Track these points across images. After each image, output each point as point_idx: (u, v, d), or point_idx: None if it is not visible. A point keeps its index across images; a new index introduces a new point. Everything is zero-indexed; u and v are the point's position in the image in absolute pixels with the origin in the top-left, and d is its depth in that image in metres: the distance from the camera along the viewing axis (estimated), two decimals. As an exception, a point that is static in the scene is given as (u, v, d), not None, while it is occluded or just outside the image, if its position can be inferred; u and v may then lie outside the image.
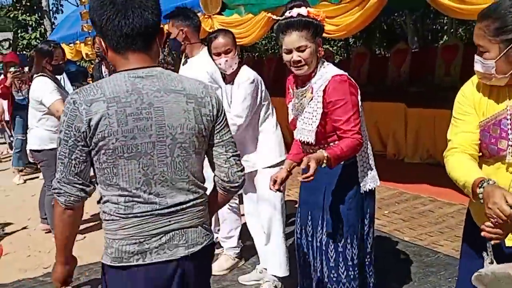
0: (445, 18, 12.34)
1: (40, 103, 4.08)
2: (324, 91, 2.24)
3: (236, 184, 1.68)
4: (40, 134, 4.14)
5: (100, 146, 1.47)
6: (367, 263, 2.49)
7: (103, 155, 1.48)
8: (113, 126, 1.45)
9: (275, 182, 2.37)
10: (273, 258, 3.18)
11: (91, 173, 1.56)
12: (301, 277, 2.62)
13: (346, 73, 2.29)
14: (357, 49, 10.03)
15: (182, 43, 3.44)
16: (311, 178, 2.02)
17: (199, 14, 5.67)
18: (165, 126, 1.50)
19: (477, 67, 1.64)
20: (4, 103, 7.40)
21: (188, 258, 1.57)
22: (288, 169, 2.47)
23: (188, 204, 1.58)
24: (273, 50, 17.72)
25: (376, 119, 6.16)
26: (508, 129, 1.62)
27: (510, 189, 1.64)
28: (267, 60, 11.00)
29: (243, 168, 1.71)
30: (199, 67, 3.34)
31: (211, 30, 5.65)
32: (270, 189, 2.40)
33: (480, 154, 1.74)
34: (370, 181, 2.42)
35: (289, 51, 2.23)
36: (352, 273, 2.40)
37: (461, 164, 1.67)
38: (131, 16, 1.47)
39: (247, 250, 3.68)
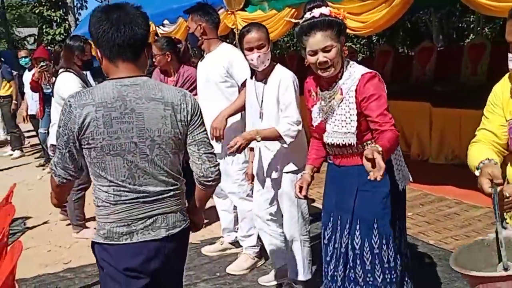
0: (472, 16, 12.09)
1: (63, 99, 4.07)
2: (355, 90, 2.18)
3: (210, 179, 1.91)
4: None
5: (89, 144, 1.75)
6: (407, 265, 2.41)
7: (93, 151, 1.76)
8: (100, 127, 1.73)
9: (301, 188, 2.36)
10: (295, 262, 3.10)
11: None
12: (329, 283, 2.49)
13: (374, 71, 2.24)
14: (380, 47, 9.88)
15: (200, 38, 3.44)
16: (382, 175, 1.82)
17: (222, 11, 5.67)
18: (144, 129, 1.77)
19: (511, 64, 1.61)
20: (36, 96, 7.53)
21: (169, 239, 1.86)
22: (311, 174, 2.44)
23: (168, 194, 1.87)
24: (294, 48, 17.62)
25: (400, 118, 6.00)
26: None
27: None
28: (289, 58, 10.92)
29: (217, 164, 1.92)
30: (215, 61, 3.37)
31: (233, 27, 5.62)
32: (297, 196, 2.41)
33: (507, 153, 1.75)
34: (404, 178, 2.36)
35: (315, 53, 2.17)
36: (389, 276, 2.31)
37: (475, 151, 1.72)
38: (122, 30, 1.74)
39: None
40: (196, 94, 3.98)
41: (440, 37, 13.10)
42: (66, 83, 4.01)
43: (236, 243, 3.85)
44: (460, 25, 14.52)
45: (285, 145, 2.77)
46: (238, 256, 3.68)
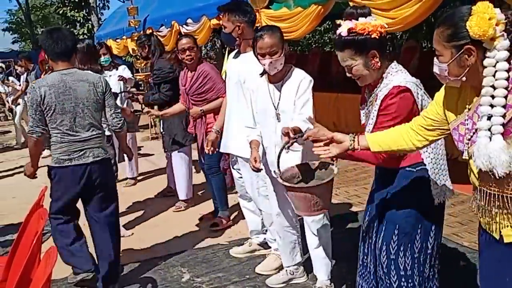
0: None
1: None
2: (382, 100, 2.16)
3: (116, 127, 3.34)
4: None
5: (47, 109, 3.07)
6: (430, 276, 2.34)
7: (48, 113, 3.08)
8: (52, 98, 3.05)
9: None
10: (318, 262, 3.13)
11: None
12: (360, 280, 2.53)
13: (407, 85, 2.13)
14: (406, 43, 9.72)
15: (237, 38, 3.36)
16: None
17: (246, 9, 5.63)
18: (78, 98, 3.12)
19: (435, 68, 1.78)
20: None
21: (94, 163, 3.19)
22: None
23: (93, 136, 3.20)
24: (316, 45, 17.51)
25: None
26: (465, 133, 1.77)
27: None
28: (312, 55, 10.83)
29: (121, 118, 3.34)
30: (252, 65, 3.18)
31: (258, 25, 5.56)
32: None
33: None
34: (443, 193, 2.29)
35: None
36: (405, 284, 2.28)
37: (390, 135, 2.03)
38: (59, 43, 3.08)
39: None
40: (212, 89, 4.06)
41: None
42: None
43: (264, 245, 3.82)
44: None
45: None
46: (266, 256, 3.67)
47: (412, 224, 2.26)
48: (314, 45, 17.44)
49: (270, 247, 3.69)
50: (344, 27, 2.14)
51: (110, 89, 3.29)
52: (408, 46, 8.68)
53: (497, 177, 1.65)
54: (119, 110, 3.33)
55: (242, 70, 3.38)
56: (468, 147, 1.76)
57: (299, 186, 2.40)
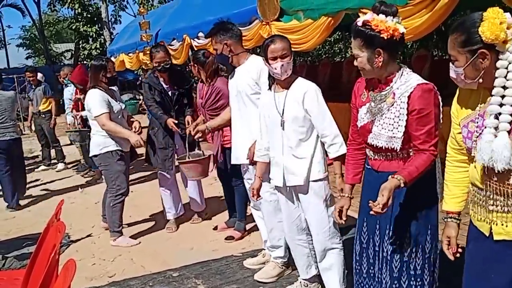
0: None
1: (90, 111, 4.47)
2: (409, 97, 2.19)
3: None
4: (97, 140, 4.49)
5: None
6: (436, 276, 2.41)
7: None
8: None
9: (340, 213, 2.49)
10: (330, 274, 3.09)
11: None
12: (377, 284, 2.51)
13: (432, 83, 2.23)
14: (417, 52, 9.70)
15: (229, 56, 3.55)
16: (385, 210, 2.06)
17: (256, 21, 5.68)
18: (3, 106, 6.14)
19: (451, 73, 1.86)
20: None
21: (11, 141, 6.17)
22: (351, 195, 2.53)
23: (10, 125, 6.17)
24: (326, 55, 17.53)
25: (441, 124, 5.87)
26: (474, 131, 1.84)
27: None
28: (322, 65, 10.85)
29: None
30: (245, 74, 3.49)
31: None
32: (337, 221, 2.55)
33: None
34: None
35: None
36: (414, 283, 2.34)
37: (448, 182, 2.09)
38: None
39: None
40: (226, 104, 4.06)
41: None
42: (91, 97, 4.45)
43: (264, 251, 3.87)
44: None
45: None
46: (265, 263, 3.73)
47: (424, 225, 2.32)
48: (324, 56, 17.47)
49: (283, 259, 3.69)
50: (362, 17, 2.22)
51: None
52: (418, 55, 8.65)
53: (499, 172, 1.71)
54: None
55: (239, 81, 3.53)
56: (475, 144, 1.81)
57: (182, 161, 4.28)
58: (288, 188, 3.04)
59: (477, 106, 1.85)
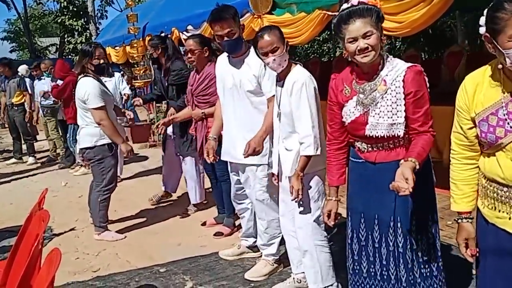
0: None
1: (85, 103, 4.19)
2: (403, 81, 2.15)
3: None
4: (91, 131, 4.27)
5: None
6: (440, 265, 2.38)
7: None
8: None
9: (329, 216, 2.45)
10: (312, 270, 2.97)
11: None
12: (380, 282, 2.43)
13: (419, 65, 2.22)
14: (407, 52, 9.69)
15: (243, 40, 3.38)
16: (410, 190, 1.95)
17: (248, 14, 5.57)
18: None
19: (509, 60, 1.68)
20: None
21: None
22: (338, 199, 2.48)
23: None
24: (315, 54, 17.49)
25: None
26: (505, 118, 1.74)
27: None
28: (311, 64, 10.78)
29: None
30: (246, 67, 3.29)
31: (260, 31, 5.51)
32: (326, 223, 2.51)
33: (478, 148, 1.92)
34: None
35: (354, 39, 2.13)
36: (424, 271, 2.33)
37: (456, 180, 2.00)
38: None
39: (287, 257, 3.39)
40: (216, 92, 3.73)
41: (466, 42, 12.83)
42: (85, 86, 4.19)
43: (254, 248, 3.81)
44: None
45: (317, 153, 2.73)
46: (256, 261, 3.62)
47: (428, 210, 2.31)
48: (312, 55, 17.43)
49: (259, 250, 3.65)
50: None
51: None
52: (408, 56, 8.64)
53: None
54: None
55: (239, 74, 3.31)
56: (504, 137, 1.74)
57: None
58: (285, 177, 2.96)
59: (497, 98, 1.77)
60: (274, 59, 2.77)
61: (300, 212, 2.89)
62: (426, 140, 2.16)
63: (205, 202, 5.12)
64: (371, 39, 2.11)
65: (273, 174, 3.11)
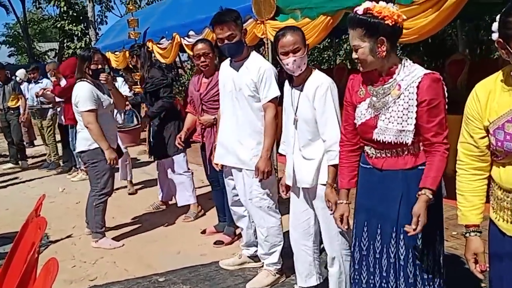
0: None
1: (76, 106, 4.22)
2: (417, 87, 2.08)
3: None
4: (86, 135, 4.26)
5: None
6: (442, 278, 2.31)
7: None
8: None
9: (341, 221, 2.43)
10: (338, 279, 2.87)
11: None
12: None
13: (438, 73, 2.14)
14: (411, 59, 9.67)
15: (245, 44, 3.35)
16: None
17: (251, 20, 5.50)
18: None
19: None
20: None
21: None
22: (349, 202, 2.42)
23: None
24: (314, 62, 17.46)
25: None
26: None
27: None
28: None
29: None
30: (245, 72, 3.25)
31: (263, 36, 5.43)
32: (339, 227, 2.49)
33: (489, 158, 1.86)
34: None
35: (353, 48, 2.16)
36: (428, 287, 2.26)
37: (463, 191, 1.93)
38: None
39: (290, 266, 3.31)
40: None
41: (467, 51, 12.80)
42: (77, 90, 4.23)
43: (255, 257, 3.71)
44: (488, 38, 14.20)
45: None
46: (258, 271, 3.52)
47: (433, 224, 2.21)
48: (312, 63, 17.39)
49: (260, 260, 3.57)
50: (362, 5, 2.11)
51: None
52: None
53: None
54: None
55: (239, 78, 3.25)
56: None
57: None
58: (299, 189, 2.87)
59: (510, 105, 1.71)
60: (295, 60, 2.65)
61: (325, 224, 2.80)
62: (441, 161, 2.10)
63: (200, 213, 5.08)
64: (359, 52, 2.13)
65: (287, 186, 2.99)
